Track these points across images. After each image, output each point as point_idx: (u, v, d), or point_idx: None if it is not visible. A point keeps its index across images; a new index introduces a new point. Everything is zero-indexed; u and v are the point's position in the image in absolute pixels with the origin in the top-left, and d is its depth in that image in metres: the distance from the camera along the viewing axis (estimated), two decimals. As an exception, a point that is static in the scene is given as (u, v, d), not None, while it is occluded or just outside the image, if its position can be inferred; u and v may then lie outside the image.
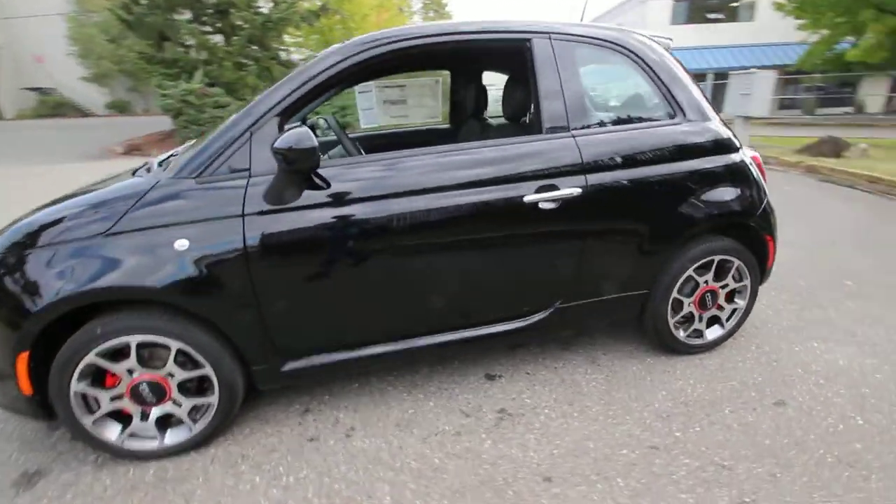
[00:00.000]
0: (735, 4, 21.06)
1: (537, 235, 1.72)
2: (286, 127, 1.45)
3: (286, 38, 14.74)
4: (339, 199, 1.49)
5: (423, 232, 1.58)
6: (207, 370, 1.51)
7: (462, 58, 2.46)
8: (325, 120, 2.05)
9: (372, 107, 2.74)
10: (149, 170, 1.67)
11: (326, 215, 1.48)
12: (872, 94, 17.05)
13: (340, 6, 16.72)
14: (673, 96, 1.86)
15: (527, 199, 1.64)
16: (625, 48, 1.81)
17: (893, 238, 3.84)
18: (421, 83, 2.79)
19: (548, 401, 1.85)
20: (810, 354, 2.12)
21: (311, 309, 1.59)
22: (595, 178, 1.71)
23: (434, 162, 1.60)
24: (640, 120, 1.85)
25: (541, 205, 1.65)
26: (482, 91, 2.51)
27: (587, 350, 2.20)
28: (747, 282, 2.07)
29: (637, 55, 1.82)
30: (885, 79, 16.09)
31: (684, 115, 1.87)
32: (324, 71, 1.52)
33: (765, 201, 2.01)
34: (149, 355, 1.48)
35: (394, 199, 1.54)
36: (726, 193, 1.92)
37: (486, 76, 2.81)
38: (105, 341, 1.40)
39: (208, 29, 12.41)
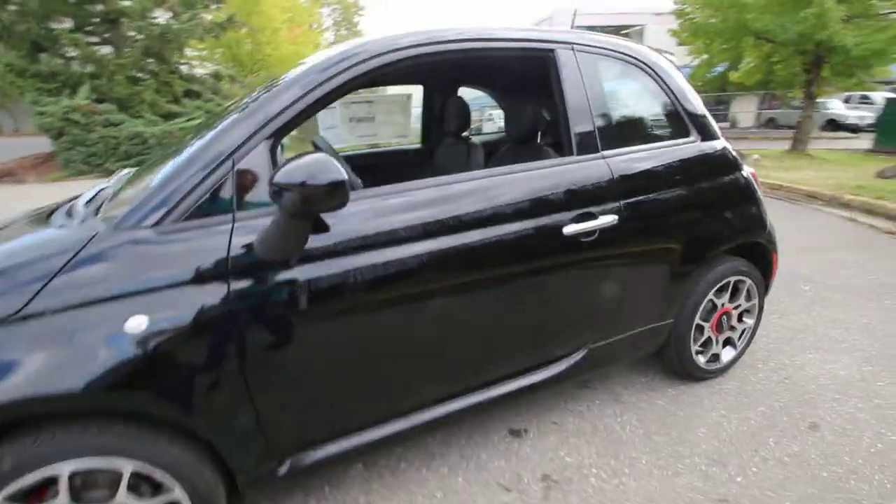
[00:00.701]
0: (625, 32, 23.32)
1: (572, 269, 1.51)
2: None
3: (188, 51, 13.49)
4: (350, 246, 1.15)
5: (451, 276, 1.29)
6: (177, 494, 1.07)
7: (470, 69, 2.19)
8: (315, 141, 1.67)
9: (336, 125, 2.39)
10: (70, 213, 1.21)
11: (338, 267, 1.14)
12: (743, 111, 19.61)
13: (248, 19, 15.77)
14: (687, 113, 1.77)
15: (566, 230, 1.42)
16: (644, 62, 1.68)
17: (817, 241, 4.21)
18: (390, 99, 2.49)
19: (590, 456, 1.62)
20: (813, 367, 2.13)
21: (320, 390, 1.22)
22: (628, 203, 1.54)
23: (467, 188, 1.32)
24: (658, 138, 1.73)
25: (580, 236, 1.44)
26: (462, 107, 2.28)
27: (606, 385, 2.02)
28: (756, 300, 2.03)
29: (654, 70, 1.70)
30: (754, 97, 18.61)
31: (697, 132, 1.79)
32: (335, 77, 1.18)
33: (768, 218, 2.00)
34: (88, 484, 1.01)
35: (417, 242, 1.23)
36: (743, 211, 1.87)
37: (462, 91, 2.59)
38: (17, 477, 0.92)
39: (95, 40, 10.94)
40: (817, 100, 10.85)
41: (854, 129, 15.46)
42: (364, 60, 1.22)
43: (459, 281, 1.31)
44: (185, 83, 12.23)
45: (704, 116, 1.82)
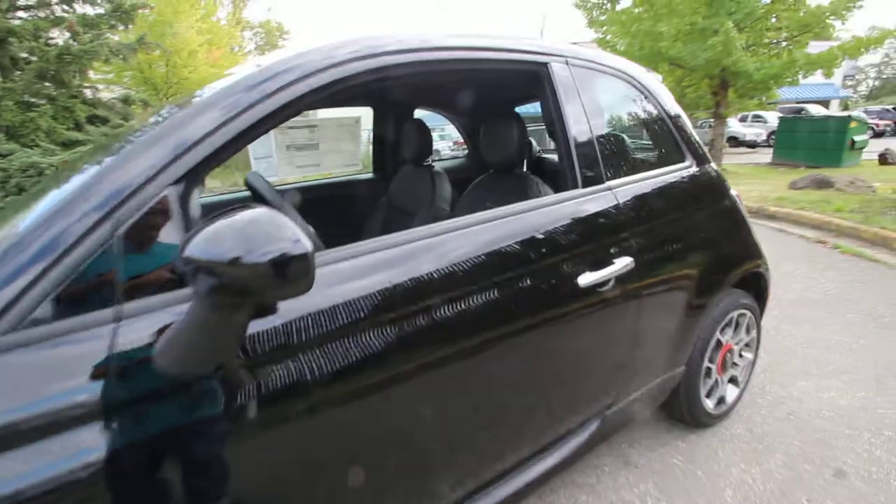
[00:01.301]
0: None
1: (585, 325, 1.23)
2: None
3: (95, 74, 12.23)
4: (311, 334, 0.79)
5: (442, 351, 0.96)
6: None
7: (436, 86, 1.87)
8: (249, 181, 1.25)
9: (270, 154, 1.98)
10: None
11: (293, 369, 0.77)
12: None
13: (162, 41, 14.62)
14: (682, 137, 1.60)
15: (582, 280, 1.14)
16: (638, 81, 1.49)
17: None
18: (338, 122, 2.13)
19: (617, 550, 1.33)
20: (811, 398, 2.01)
21: None
22: (640, 239, 1.30)
23: (467, 240, 1.00)
24: (656, 165, 1.53)
25: (597, 285, 1.17)
26: (423, 131, 1.98)
27: (610, 445, 1.75)
28: (754, 332, 1.89)
29: (649, 90, 1.51)
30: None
31: (692, 157, 1.62)
32: (277, 92, 0.83)
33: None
34: None
35: (395, 313, 0.89)
36: (742, 236, 1.72)
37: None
38: None
39: (-24, 62, 9.52)
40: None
41: (752, 144, 17.16)
42: (313, 73, 0.88)
43: (452, 355, 0.98)
44: (89, 108, 10.96)
45: (697, 140, 1.66)
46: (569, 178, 1.24)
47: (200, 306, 0.62)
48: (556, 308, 1.14)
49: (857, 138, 10.45)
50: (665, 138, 1.57)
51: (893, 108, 22.15)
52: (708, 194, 1.61)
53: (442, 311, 0.94)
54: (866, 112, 19.69)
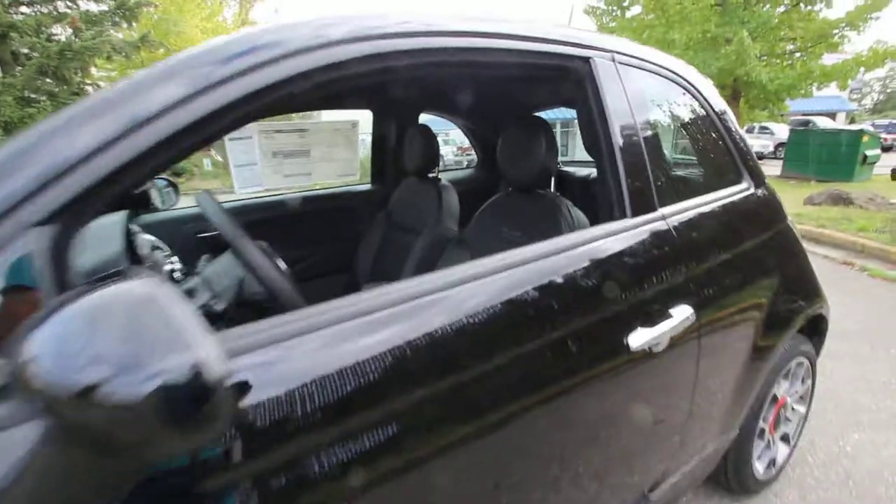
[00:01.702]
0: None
1: (631, 392, 0.96)
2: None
3: (95, 70, 12.10)
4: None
5: (455, 430, 0.70)
6: None
7: (462, 82, 1.57)
8: (200, 203, 0.96)
9: (254, 161, 1.74)
10: None
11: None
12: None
13: (166, 39, 14.44)
14: (739, 153, 1.34)
15: (634, 341, 0.88)
16: (693, 86, 1.23)
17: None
18: (332, 127, 1.88)
19: None
20: (867, 455, 1.75)
21: None
22: (699, 281, 1.04)
23: (485, 290, 0.74)
24: (711, 187, 1.26)
25: (652, 346, 0.91)
26: (428, 139, 1.72)
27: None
28: (809, 382, 1.62)
29: (705, 97, 1.25)
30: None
31: (750, 177, 1.36)
32: (254, 70, 0.60)
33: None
34: None
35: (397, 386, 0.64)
36: (805, 273, 1.46)
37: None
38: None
39: (-23, 56, 9.40)
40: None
41: (759, 156, 16.87)
42: (300, 53, 0.63)
43: (471, 429, 0.72)
44: (87, 104, 10.79)
45: (753, 156, 1.40)
46: (615, 204, 0.97)
47: (44, 437, 0.36)
48: (599, 374, 0.88)
49: (868, 153, 10.19)
50: (721, 155, 1.31)
51: (902, 123, 21.92)
52: (769, 222, 1.35)
53: (459, 377, 0.69)
54: (874, 126, 19.51)
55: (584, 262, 0.87)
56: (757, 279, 1.23)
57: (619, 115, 0.99)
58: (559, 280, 0.82)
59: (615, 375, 0.90)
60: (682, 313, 0.96)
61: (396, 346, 0.63)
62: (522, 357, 0.76)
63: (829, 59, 9.49)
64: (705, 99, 1.26)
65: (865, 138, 10.03)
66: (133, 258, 0.95)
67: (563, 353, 0.81)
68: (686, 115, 1.25)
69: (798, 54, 9.55)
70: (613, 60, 1.02)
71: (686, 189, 1.17)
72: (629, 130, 1.00)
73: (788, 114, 11.48)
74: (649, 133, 1.05)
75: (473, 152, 2.62)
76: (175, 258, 1.13)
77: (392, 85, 1.50)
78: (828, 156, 10.43)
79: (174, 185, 1.83)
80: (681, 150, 1.24)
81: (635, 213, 0.98)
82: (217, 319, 0.78)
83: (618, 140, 0.98)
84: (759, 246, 1.27)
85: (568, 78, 1.01)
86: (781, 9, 9.48)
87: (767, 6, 9.45)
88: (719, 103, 1.31)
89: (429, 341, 0.66)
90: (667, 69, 1.17)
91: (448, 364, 0.69)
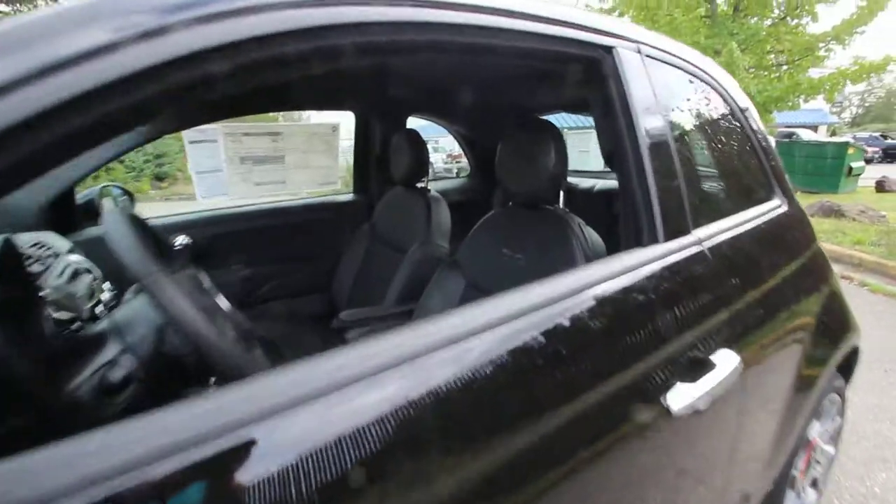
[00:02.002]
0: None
1: (669, 453, 0.78)
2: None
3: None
4: None
5: None
6: None
7: (455, 75, 1.37)
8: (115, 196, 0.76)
9: (218, 168, 1.53)
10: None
11: None
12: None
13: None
14: (771, 166, 1.17)
15: (674, 403, 0.69)
16: (724, 89, 1.06)
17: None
18: (309, 130, 1.68)
19: None
20: (899, 498, 1.59)
21: None
22: (741, 318, 0.86)
23: (496, 340, 0.55)
24: (743, 204, 1.09)
25: (696, 406, 0.72)
26: (417, 145, 1.54)
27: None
28: (840, 420, 1.46)
29: (735, 102, 1.09)
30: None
31: (782, 192, 1.19)
32: (198, 24, 0.41)
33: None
34: None
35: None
36: (838, 301, 1.29)
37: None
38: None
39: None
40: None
41: (746, 168, 17.15)
42: (258, 10, 0.44)
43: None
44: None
45: (783, 169, 1.24)
46: (645, 226, 0.79)
47: None
48: (628, 449, 0.69)
49: (854, 164, 10.31)
50: (753, 168, 1.14)
51: (881, 136, 22.43)
52: (805, 244, 1.19)
53: (466, 443, 0.50)
54: (855, 138, 19.87)
55: (615, 301, 0.68)
56: (798, 311, 1.06)
57: (648, 119, 0.81)
58: (587, 326, 0.64)
59: (647, 447, 0.71)
60: (726, 360, 0.78)
61: (384, 433, 0.44)
62: (543, 433, 0.57)
63: (812, 73, 9.58)
64: (733, 99, 1.09)
65: (851, 150, 10.14)
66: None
67: (583, 421, 0.62)
68: (716, 119, 1.08)
69: (785, 67, 9.61)
70: (640, 52, 0.84)
71: (718, 206, 1.00)
72: (660, 137, 0.82)
73: (773, 125, 11.58)
74: (681, 140, 0.88)
75: (464, 160, 2.45)
76: (106, 285, 0.93)
77: (376, 79, 1.31)
78: (813, 167, 10.53)
79: (129, 194, 1.63)
80: (710, 160, 1.06)
81: (668, 237, 0.80)
82: (122, 387, 0.57)
83: (647, 149, 0.80)
84: (797, 272, 1.10)
85: (584, 72, 0.83)
86: (769, 22, 9.57)
87: (756, 19, 9.53)
88: (745, 101, 1.14)
89: (439, 392, 0.47)
90: (693, 65, 0.99)
91: (455, 447, 0.50)
